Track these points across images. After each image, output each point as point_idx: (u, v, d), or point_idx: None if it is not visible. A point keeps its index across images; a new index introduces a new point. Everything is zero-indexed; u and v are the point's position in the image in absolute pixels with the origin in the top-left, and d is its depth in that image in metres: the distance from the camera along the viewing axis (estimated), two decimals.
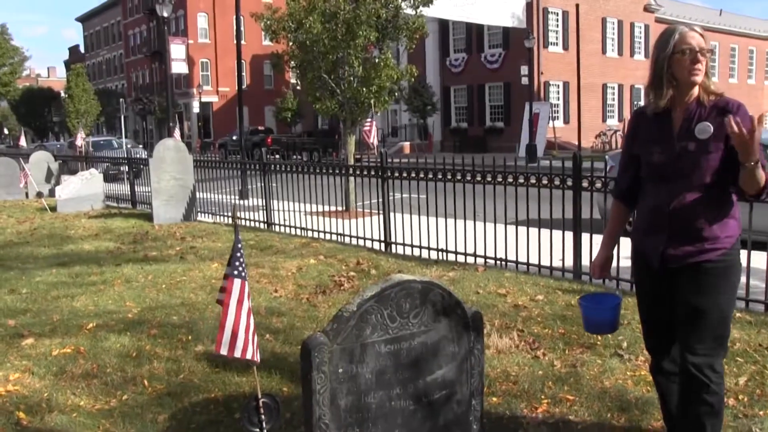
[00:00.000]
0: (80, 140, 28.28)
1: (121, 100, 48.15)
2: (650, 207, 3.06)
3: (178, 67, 35.38)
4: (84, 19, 79.01)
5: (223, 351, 3.17)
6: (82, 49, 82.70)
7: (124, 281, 7.42)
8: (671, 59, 2.91)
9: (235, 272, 3.20)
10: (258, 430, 3.28)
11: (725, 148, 2.85)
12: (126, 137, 43.13)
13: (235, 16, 17.81)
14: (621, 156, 3.34)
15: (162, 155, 12.27)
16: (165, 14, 18.52)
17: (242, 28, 19.61)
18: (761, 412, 3.85)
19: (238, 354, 3.18)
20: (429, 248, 8.52)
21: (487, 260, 7.91)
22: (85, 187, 14.78)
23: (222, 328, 3.16)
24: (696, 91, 2.94)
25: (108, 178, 16.90)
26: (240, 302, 3.19)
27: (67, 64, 76.94)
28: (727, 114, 2.78)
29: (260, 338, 5.22)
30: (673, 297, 3.03)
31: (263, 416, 3.29)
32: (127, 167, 15.59)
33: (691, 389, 2.93)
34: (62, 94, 58.59)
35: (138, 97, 63.29)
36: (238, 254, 3.21)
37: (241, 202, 14.79)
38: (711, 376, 2.88)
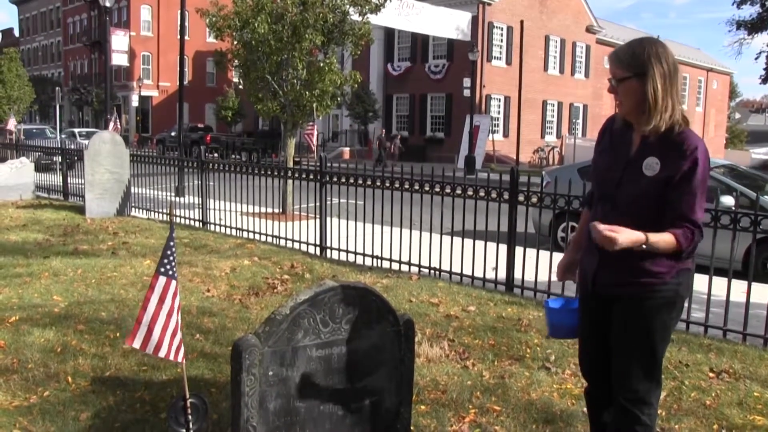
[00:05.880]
0: (12, 126, 27.51)
1: (57, 88, 46.84)
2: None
3: (119, 59, 34.63)
4: (20, 2, 76.65)
5: (136, 344, 3.13)
6: (16, 33, 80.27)
7: (52, 274, 7.23)
8: None
9: (162, 269, 3.16)
10: (185, 430, 3.25)
11: (662, 188, 2.67)
12: (61, 127, 42.03)
13: (179, 11, 17.56)
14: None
15: (98, 148, 12.01)
16: (107, 4, 18.11)
17: (186, 23, 19.37)
18: (677, 426, 3.99)
19: (150, 350, 3.14)
20: (364, 254, 8.54)
21: (422, 269, 7.97)
22: (14, 176, 14.35)
23: (138, 322, 3.13)
24: (645, 117, 2.68)
25: (40, 167, 16.44)
26: (162, 300, 3.15)
27: None
28: (678, 150, 2.63)
29: (190, 338, 5.16)
30: (608, 325, 2.91)
31: (190, 416, 3.26)
32: (60, 158, 15.22)
33: (623, 422, 2.84)
34: None
35: (75, 86, 61.75)
36: (169, 252, 3.17)
37: (177, 199, 14.57)
38: (644, 409, 2.80)
